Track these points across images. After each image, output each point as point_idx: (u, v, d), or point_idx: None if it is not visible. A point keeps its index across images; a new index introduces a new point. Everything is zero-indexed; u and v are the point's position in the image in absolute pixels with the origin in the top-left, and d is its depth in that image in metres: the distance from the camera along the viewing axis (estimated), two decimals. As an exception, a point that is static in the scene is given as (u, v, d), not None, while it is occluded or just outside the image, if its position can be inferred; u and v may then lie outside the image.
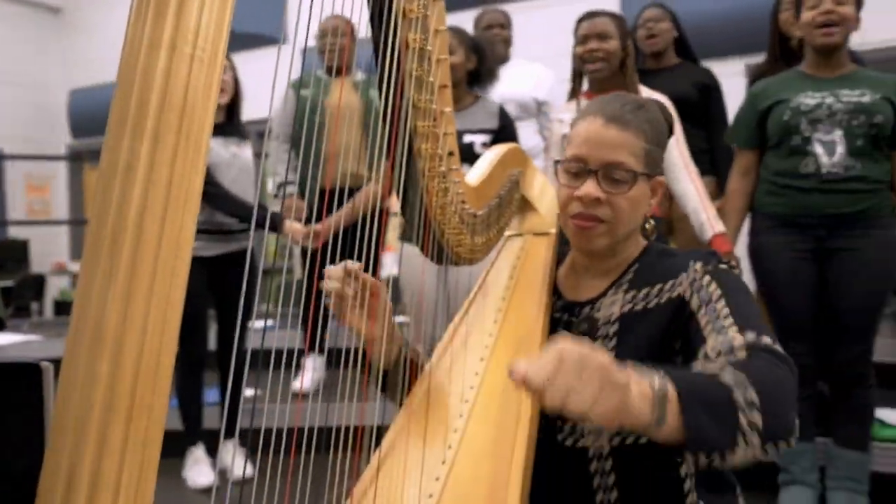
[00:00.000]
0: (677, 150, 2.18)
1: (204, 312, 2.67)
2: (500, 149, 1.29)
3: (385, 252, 2.98)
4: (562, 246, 1.27)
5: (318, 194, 2.84)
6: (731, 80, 3.31)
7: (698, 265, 1.02)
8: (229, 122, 2.67)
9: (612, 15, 2.27)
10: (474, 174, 1.19)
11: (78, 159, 7.81)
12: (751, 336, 0.87)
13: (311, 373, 3.09)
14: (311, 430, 0.88)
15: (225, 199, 2.54)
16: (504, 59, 3.11)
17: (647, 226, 1.12)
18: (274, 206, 3.04)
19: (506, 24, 3.19)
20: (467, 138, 2.35)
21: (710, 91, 2.80)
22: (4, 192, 7.34)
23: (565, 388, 0.66)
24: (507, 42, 3.20)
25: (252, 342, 2.67)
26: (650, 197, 1.08)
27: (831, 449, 2.14)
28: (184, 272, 0.50)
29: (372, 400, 1.04)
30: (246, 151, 2.71)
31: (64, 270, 7.12)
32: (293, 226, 2.77)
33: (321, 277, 1.01)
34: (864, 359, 2.08)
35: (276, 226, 2.62)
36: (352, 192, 2.85)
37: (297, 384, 3.05)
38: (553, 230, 1.36)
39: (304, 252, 3.14)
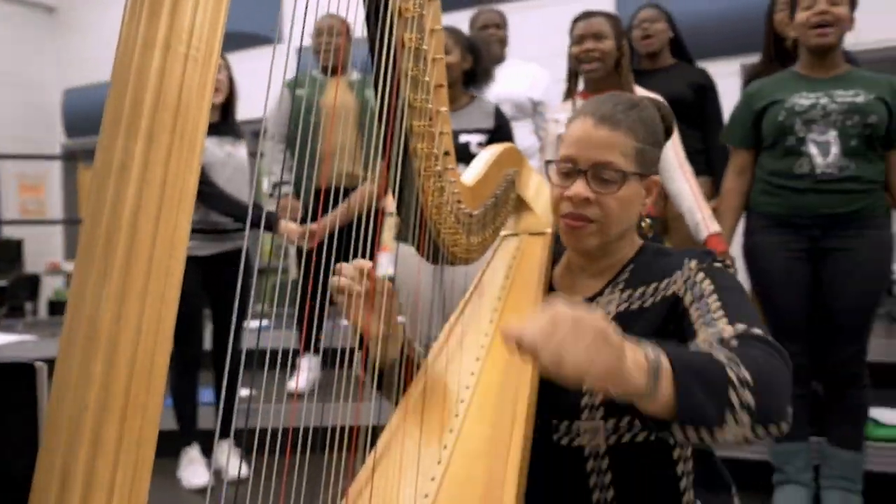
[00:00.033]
0: (672, 150, 2.18)
1: (199, 312, 2.66)
2: (496, 148, 1.29)
3: (381, 252, 2.98)
4: (557, 245, 1.27)
5: (314, 194, 2.84)
6: (727, 81, 3.32)
7: (693, 263, 1.02)
8: (224, 122, 2.66)
9: (607, 15, 2.27)
10: (470, 174, 1.19)
11: (72, 159, 7.79)
12: (741, 327, 0.87)
13: (306, 373, 3.08)
14: (306, 430, 0.88)
15: (220, 199, 2.53)
16: (500, 59, 3.11)
17: (644, 224, 1.11)
18: (269, 206, 3.03)
19: (501, 24, 3.19)
20: (463, 138, 2.34)
21: (706, 91, 2.80)
22: (-2, 192, 7.33)
23: (560, 348, 0.66)
24: (503, 42, 3.20)
25: (247, 342, 2.66)
26: (644, 196, 1.07)
27: (825, 448, 2.15)
28: (178, 272, 0.50)
29: (367, 400, 1.04)
30: (241, 151, 2.70)
31: (58, 270, 7.10)
32: (288, 225, 2.76)
33: (316, 277, 1.01)
34: (858, 359, 2.09)
35: (272, 225, 2.61)
36: (347, 192, 2.85)
37: (292, 384, 3.04)
38: (549, 230, 1.36)
39: (299, 252, 3.13)
